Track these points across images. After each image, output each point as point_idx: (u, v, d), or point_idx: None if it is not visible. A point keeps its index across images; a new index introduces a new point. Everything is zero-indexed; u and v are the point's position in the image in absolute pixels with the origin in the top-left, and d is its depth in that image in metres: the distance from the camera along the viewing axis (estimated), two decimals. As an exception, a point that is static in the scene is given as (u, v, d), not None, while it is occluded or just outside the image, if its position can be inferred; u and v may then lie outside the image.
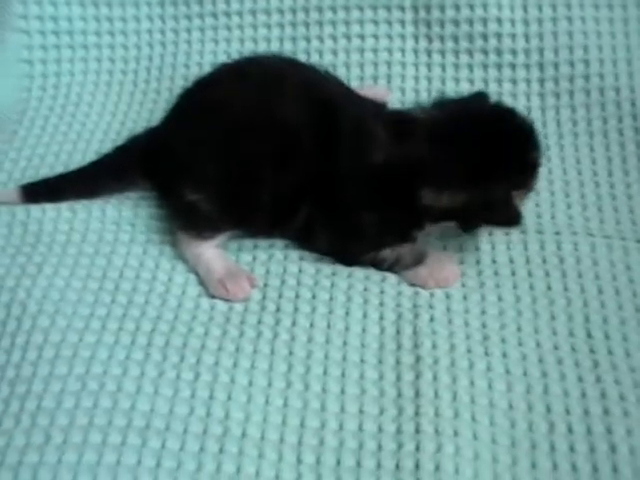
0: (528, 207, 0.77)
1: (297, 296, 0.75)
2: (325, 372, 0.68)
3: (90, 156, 0.90)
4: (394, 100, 0.94)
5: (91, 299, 0.75)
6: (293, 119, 0.73)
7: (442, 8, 0.95)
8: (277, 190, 0.73)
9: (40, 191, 0.85)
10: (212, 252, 0.76)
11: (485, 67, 0.95)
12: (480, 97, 0.77)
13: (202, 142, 0.76)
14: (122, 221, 0.84)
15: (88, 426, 0.64)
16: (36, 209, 0.85)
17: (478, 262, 0.77)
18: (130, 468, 0.60)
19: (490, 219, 0.72)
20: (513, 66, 0.95)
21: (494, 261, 0.78)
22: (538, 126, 0.79)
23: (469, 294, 0.74)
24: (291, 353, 0.70)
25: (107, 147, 0.90)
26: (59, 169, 0.89)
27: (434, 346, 0.70)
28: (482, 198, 0.69)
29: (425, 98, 0.95)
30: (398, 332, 0.71)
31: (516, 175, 0.71)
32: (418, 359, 0.68)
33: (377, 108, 0.77)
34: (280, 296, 0.75)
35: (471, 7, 0.94)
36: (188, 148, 0.76)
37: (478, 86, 0.95)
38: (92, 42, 1.05)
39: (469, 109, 0.75)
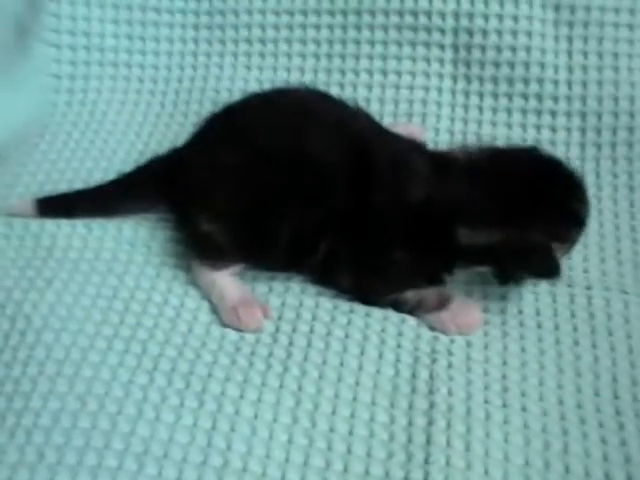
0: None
1: (311, 331, 0.77)
2: (334, 411, 0.70)
3: (111, 175, 0.93)
4: (428, 140, 0.97)
5: (99, 318, 0.77)
6: (321, 153, 0.76)
7: (483, 49, 0.98)
8: (298, 226, 0.76)
9: (56, 206, 0.89)
10: (226, 280, 0.79)
11: (524, 112, 0.98)
12: (531, 149, 0.80)
13: (223, 170, 0.78)
14: (138, 242, 0.87)
15: (84, 447, 0.66)
16: (51, 223, 0.89)
17: (503, 311, 0.79)
18: (124, 493, 0.62)
19: (527, 267, 0.73)
20: (554, 113, 0.97)
21: (520, 311, 0.79)
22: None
23: (491, 343, 0.76)
24: (300, 389, 0.71)
25: (129, 167, 0.93)
26: (78, 185, 0.93)
27: (450, 393, 0.71)
28: (519, 242, 0.71)
29: (460, 140, 0.97)
30: (414, 376, 0.73)
31: (557, 224, 0.73)
32: (432, 405, 0.70)
33: (414, 145, 0.79)
34: (294, 330, 0.77)
35: (513, 50, 0.97)
36: (208, 175, 0.79)
37: (516, 132, 0.97)
38: (122, 60, 1.10)
39: (515, 153, 0.78)
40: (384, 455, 0.66)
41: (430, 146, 0.92)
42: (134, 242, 0.87)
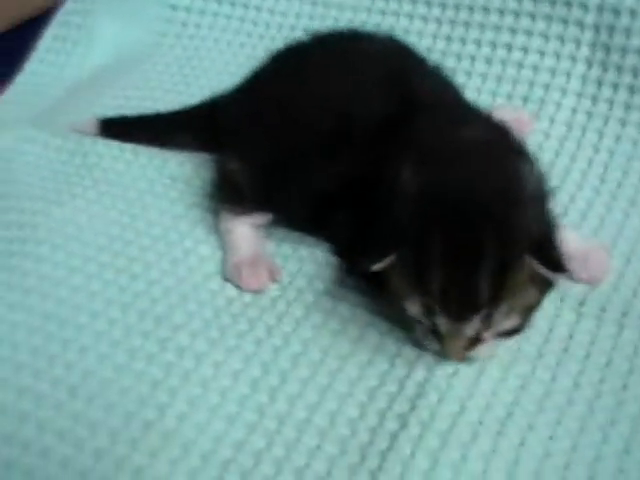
0: None
1: (315, 303, 0.71)
2: (299, 394, 0.63)
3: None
4: (537, 131, 0.85)
5: (102, 242, 0.76)
6: (359, 110, 0.69)
7: (628, 33, 0.85)
8: (321, 181, 0.69)
9: (117, 127, 0.90)
10: (243, 231, 0.74)
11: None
12: None
13: (257, 111, 0.75)
14: (180, 177, 0.84)
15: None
16: (103, 144, 0.89)
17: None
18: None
19: None
20: (699, 120, 0.81)
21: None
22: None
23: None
24: (272, 361, 0.66)
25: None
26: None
27: (440, 401, 0.62)
28: None
29: (579, 137, 0.85)
30: (407, 375, 0.64)
31: None
32: (413, 408, 0.61)
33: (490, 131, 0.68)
34: (297, 299, 0.71)
35: (663, 37, 0.83)
36: (243, 113, 0.77)
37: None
38: (241, 1, 1.06)
39: None
40: (335, 451, 0.58)
41: (538, 139, 0.83)
42: (176, 177, 0.84)
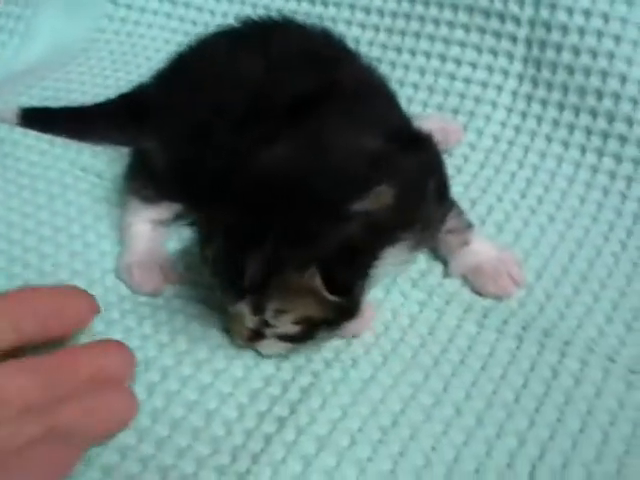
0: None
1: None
2: (179, 392, 0.61)
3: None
4: (464, 143, 0.85)
5: (1, 230, 0.73)
6: (272, 90, 0.67)
7: (559, 48, 0.85)
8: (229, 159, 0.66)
9: (37, 117, 0.88)
10: (142, 228, 0.72)
11: (588, 133, 0.82)
12: None
13: (172, 90, 0.75)
14: (91, 170, 0.83)
15: None
16: (20, 133, 0.87)
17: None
18: None
19: None
20: (623, 139, 0.80)
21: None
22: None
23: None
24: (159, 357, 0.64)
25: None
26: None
27: (322, 407, 0.60)
28: None
29: (505, 151, 0.84)
30: (298, 370, 0.63)
31: None
32: (293, 411, 0.59)
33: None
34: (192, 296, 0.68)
35: (594, 55, 0.83)
36: (161, 91, 0.77)
37: (572, 155, 0.82)
38: (182, 0, 1.06)
39: None
40: (207, 451, 0.57)
41: (463, 150, 0.84)
42: (88, 169, 0.82)
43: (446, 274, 0.71)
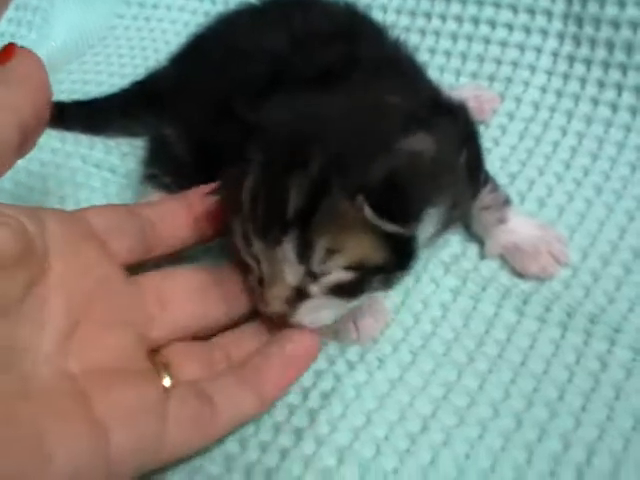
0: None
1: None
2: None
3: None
4: (501, 113, 0.78)
5: None
6: (295, 60, 0.62)
7: (602, 2, 0.77)
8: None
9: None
10: None
11: (637, 91, 0.75)
12: None
13: (191, 72, 0.71)
14: (104, 166, 0.79)
15: None
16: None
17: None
18: None
19: None
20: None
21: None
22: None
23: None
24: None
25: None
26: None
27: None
28: None
29: (546, 118, 0.78)
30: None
31: None
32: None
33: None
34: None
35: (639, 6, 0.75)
36: (174, 81, 0.73)
37: (621, 117, 0.75)
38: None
39: None
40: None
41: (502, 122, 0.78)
42: (101, 165, 0.79)
43: (482, 256, 0.66)
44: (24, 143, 0.44)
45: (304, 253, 0.48)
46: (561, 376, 0.57)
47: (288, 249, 0.48)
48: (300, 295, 0.50)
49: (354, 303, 0.52)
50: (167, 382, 0.49)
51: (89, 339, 0.45)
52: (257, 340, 0.54)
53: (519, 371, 0.57)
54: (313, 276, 0.49)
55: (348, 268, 0.49)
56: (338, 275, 0.49)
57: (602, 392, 0.55)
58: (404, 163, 0.47)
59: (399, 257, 0.50)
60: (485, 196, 0.64)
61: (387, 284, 0.52)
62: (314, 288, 0.50)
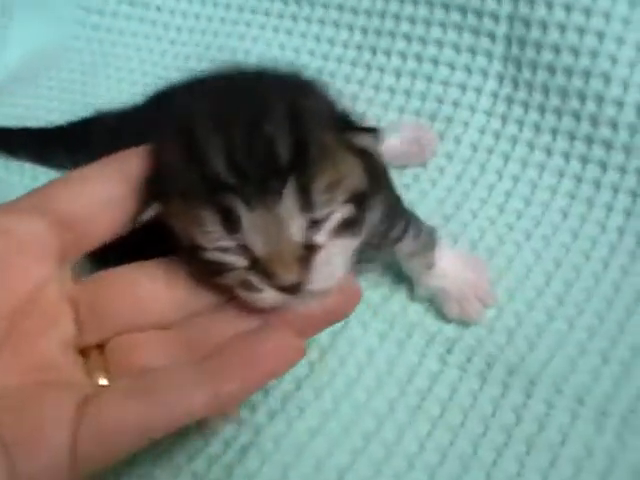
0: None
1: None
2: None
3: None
4: (440, 153, 0.80)
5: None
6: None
7: (539, 47, 0.79)
8: None
9: None
10: None
11: (572, 138, 0.77)
12: None
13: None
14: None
15: None
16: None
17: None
18: None
19: None
20: (608, 145, 0.75)
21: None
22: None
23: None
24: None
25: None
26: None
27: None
28: None
29: (483, 160, 0.79)
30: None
31: None
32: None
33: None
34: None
35: (576, 53, 0.77)
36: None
37: (556, 162, 0.77)
38: (155, 4, 1.03)
39: None
40: None
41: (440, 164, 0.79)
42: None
43: (411, 297, 0.67)
44: None
45: (306, 199, 0.42)
46: (476, 429, 0.58)
47: (289, 200, 0.42)
48: (309, 251, 0.44)
49: (358, 241, 0.47)
50: (103, 381, 0.46)
51: (10, 352, 0.43)
52: (231, 327, 0.47)
53: (436, 423, 0.59)
54: (316, 223, 0.44)
55: (347, 201, 0.45)
56: (341, 212, 0.44)
57: (514, 447, 0.56)
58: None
59: (373, 177, 0.47)
60: (409, 243, 0.64)
61: (372, 211, 0.49)
62: (321, 237, 0.44)
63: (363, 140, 0.45)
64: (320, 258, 0.44)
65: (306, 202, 0.42)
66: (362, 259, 0.49)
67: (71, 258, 0.48)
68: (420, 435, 0.58)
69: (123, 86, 0.94)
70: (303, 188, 0.42)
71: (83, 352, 0.47)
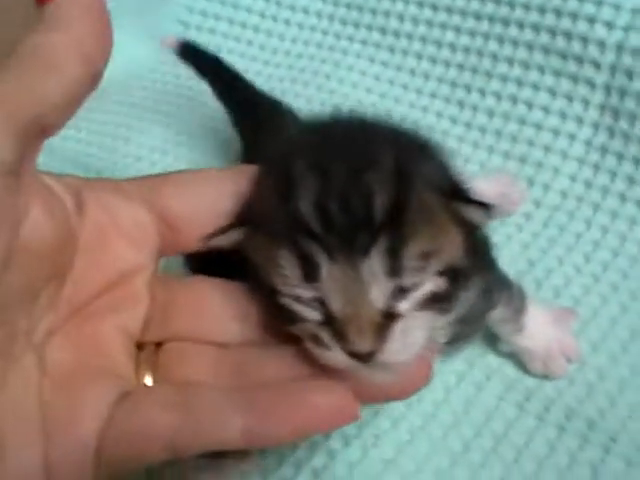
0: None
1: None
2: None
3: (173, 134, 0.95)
4: (528, 198, 0.79)
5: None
6: None
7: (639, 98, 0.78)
8: None
9: (193, 54, 0.87)
10: None
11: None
12: None
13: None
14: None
15: None
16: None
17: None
18: None
19: None
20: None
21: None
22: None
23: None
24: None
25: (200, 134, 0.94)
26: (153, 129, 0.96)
27: None
28: None
29: (572, 208, 0.78)
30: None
31: None
32: None
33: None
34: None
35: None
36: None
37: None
38: (252, 23, 1.04)
39: None
40: None
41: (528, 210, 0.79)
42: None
43: (491, 344, 0.66)
44: (89, 76, 0.39)
45: (396, 262, 0.39)
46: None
47: (377, 261, 0.38)
48: (387, 319, 0.40)
49: (445, 319, 0.44)
50: (148, 380, 0.45)
51: (73, 333, 0.43)
52: (288, 367, 0.44)
53: (511, 469, 0.58)
54: (402, 291, 0.40)
55: (440, 274, 0.40)
56: (432, 284, 0.40)
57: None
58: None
59: (472, 253, 0.43)
60: (502, 310, 0.60)
61: (466, 290, 0.45)
62: (404, 306, 0.40)
63: (472, 213, 0.42)
64: (399, 329, 0.40)
65: (395, 266, 0.38)
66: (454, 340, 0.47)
67: (165, 255, 0.48)
68: (493, 478, 0.57)
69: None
70: (394, 249, 0.38)
71: (139, 345, 0.47)
